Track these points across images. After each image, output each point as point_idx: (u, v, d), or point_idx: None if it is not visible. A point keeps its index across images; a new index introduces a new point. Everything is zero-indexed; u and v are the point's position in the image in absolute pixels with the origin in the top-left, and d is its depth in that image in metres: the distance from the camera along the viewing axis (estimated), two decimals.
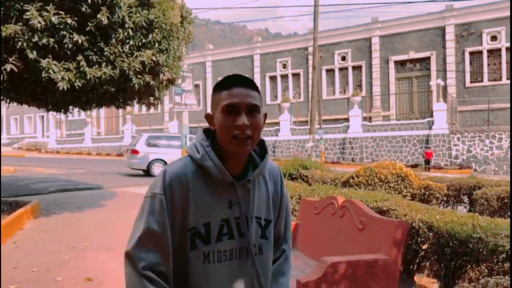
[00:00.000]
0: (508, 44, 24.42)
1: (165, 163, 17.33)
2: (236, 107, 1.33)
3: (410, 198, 6.30)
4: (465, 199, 7.31)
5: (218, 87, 1.39)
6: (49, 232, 7.02)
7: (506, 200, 6.06)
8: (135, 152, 18.02)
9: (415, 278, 4.21)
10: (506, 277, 2.21)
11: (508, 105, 24.33)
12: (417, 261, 4.09)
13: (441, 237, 3.44)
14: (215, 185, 1.37)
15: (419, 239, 3.79)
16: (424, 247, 3.94)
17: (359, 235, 3.32)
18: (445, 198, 7.24)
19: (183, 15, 7.10)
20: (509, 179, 7.42)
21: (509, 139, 21.36)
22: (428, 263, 4.07)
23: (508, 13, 24.41)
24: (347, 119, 25.86)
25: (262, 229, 1.44)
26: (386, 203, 4.57)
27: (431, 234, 3.61)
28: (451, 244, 3.32)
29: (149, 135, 19.13)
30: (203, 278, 1.34)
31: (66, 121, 41.69)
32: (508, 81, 24.64)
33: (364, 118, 26.25)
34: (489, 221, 3.35)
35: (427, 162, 21.07)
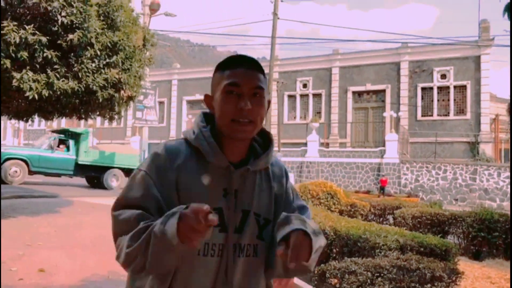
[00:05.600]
0: (456, 83, 26.32)
1: None
2: (240, 87, 1.23)
3: (338, 213, 7.13)
4: (390, 218, 8.22)
5: (221, 66, 1.29)
6: (5, 233, 7.37)
7: (419, 219, 6.98)
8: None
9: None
10: (360, 259, 2.98)
11: (454, 139, 26.09)
12: (330, 262, 4.85)
13: (341, 239, 4.22)
14: (210, 169, 1.25)
15: (329, 242, 4.56)
16: (335, 250, 4.70)
17: None
18: (372, 216, 8.13)
19: (146, 38, 7.82)
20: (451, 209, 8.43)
21: (453, 171, 22.86)
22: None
23: (457, 55, 26.38)
24: (305, 144, 26.89)
25: (260, 228, 1.28)
26: None
27: (335, 237, 4.38)
28: (348, 243, 4.10)
29: None
30: (188, 269, 1.21)
31: (25, 130, 40.99)
32: (456, 117, 26.45)
33: (322, 144, 27.35)
34: (378, 227, 4.15)
35: (382, 189, 21.91)
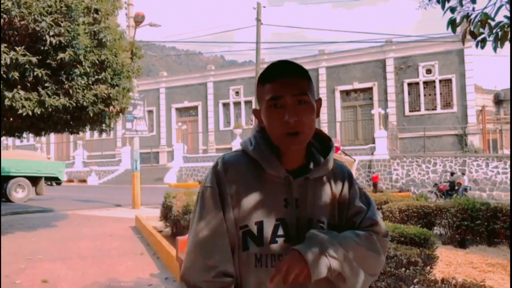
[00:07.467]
0: (441, 77, 26.76)
1: None
2: (281, 99, 1.20)
3: None
4: (379, 213, 8.46)
5: (262, 78, 1.26)
6: (4, 248, 7.52)
7: (406, 212, 7.25)
8: None
9: None
10: None
11: (442, 132, 26.52)
12: None
13: None
14: (268, 180, 1.24)
15: None
16: None
17: None
18: None
19: (133, 52, 8.05)
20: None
21: (442, 164, 23.20)
22: None
23: (440, 49, 26.83)
24: None
25: None
26: None
27: None
28: None
29: None
30: (254, 283, 1.21)
31: (14, 146, 40.87)
32: (443, 111, 26.87)
33: None
34: None
35: (375, 185, 22.16)
